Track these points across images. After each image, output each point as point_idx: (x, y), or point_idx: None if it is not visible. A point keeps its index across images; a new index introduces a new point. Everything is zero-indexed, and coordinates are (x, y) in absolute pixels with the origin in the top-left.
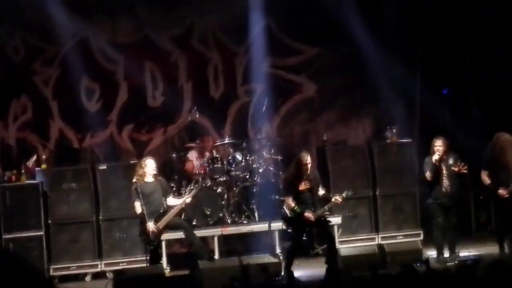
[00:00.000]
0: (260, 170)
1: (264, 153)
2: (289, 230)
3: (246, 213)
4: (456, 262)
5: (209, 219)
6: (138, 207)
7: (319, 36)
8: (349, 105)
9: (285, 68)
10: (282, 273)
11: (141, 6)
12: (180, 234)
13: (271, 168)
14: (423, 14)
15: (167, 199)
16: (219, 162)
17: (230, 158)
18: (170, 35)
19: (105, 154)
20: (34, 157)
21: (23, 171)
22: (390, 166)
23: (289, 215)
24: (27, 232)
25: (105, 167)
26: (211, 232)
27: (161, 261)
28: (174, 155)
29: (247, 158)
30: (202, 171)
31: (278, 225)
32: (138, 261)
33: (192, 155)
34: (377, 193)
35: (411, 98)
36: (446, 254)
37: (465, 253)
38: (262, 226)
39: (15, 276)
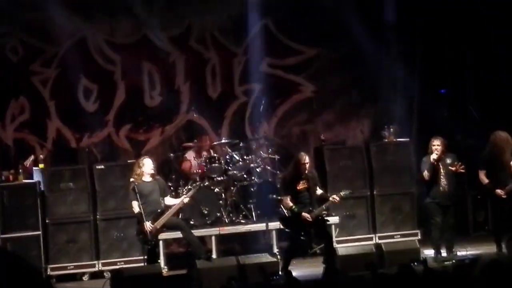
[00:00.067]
0: (258, 170)
1: (261, 152)
2: (286, 230)
3: (244, 213)
4: (453, 261)
5: (207, 218)
6: (135, 206)
7: (317, 36)
8: (348, 105)
9: (283, 68)
10: (280, 273)
11: (139, 6)
12: (177, 234)
13: (269, 168)
14: (422, 14)
15: (165, 198)
16: (217, 162)
17: (227, 157)
18: (168, 35)
19: (103, 154)
20: (32, 157)
21: (21, 171)
22: (388, 166)
23: (286, 215)
24: (25, 232)
25: (102, 167)
26: (209, 231)
27: (159, 261)
28: (172, 155)
29: (245, 158)
30: (199, 171)
31: (275, 224)
32: (135, 261)
33: (190, 154)
34: (374, 193)
35: (409, 98)
36: (444, 253)
37: (462, 252)
38: (259, 226)
39: (13, 276)
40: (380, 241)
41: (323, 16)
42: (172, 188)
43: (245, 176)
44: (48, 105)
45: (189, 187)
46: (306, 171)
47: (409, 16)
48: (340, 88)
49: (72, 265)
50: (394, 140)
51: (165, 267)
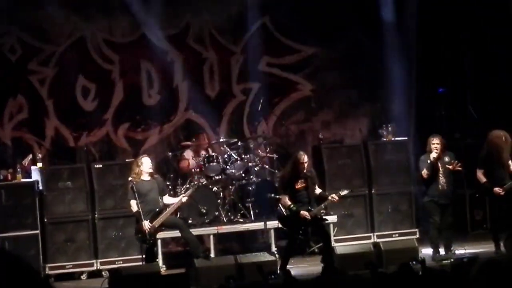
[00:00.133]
0: (256, 169)
1: (260, 151)
2: (285, 229)
3: (242, 212)
4: (451, 260)
5: (205, 217)
6: (134, 205)
7: (316, 35)
8: (346, 104)
9: (281, 67)
10: (278, 272)
11: (137, 5)
12: (176, 233)
13: (267, 167)
14: (421, 14)
15: (164, 197)
16: (215, 161)
17: (226, 156)
18: (167, 34)
19: (101, 153)
20: (30, 156)
21: (18, 170)
22: (386, 164)
23: (285, 214)
24: (23, 231)
25: (101, 166)
26: (207, 230)
27: (157, 260)
28: (170, 153)
29: (243, 156)
30: (197, 170)
31: (273, 223)
32: (134, 260)
33: (188, 153)
34: (373, 192)
35: (408, 96)
36: (442, 252)
37: (461, 251)
38: (258, 225)
39: (11, 275)
40: (378, 240)
41: (321, 15)
42: (170, 187)
43: (243, 175)
44: (46, 104)
45: (187, 186)
46: (305, 170)
47: (407, 15)
48: (338, 87)
49: (70, 264)
50: (393, 139)
51: (163, 266)
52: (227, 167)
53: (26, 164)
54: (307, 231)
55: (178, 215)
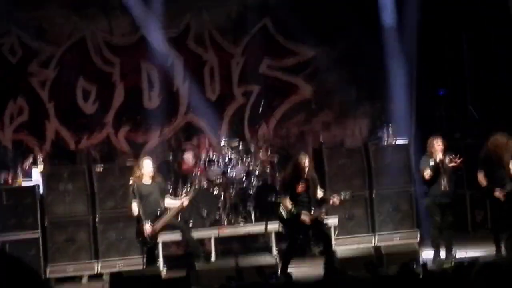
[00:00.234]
0: (257, 171)
1: (260, 154)
2: (285, 231)
3: (243, 214)
4: (452, 263)
5: (206, 220)
6: (135, 208)
7: (316, 37)
8: (346, 105)
9: (282, 69)
10: (279, 274)
11: (137, 7)
12: (176, 236)
13: (268, 169)
14: (421, 14)
15: (165, 200)
16: (216, 163)
17: (226, 159)
18: (167, 36)
19: (102, 155)
20: (31, 158)
21: (19, 172)
22: (387, 166)
23: (285, 216)
24: (24, 233)
25: (101, 168)
26: (208, 233)
27: (158, 262)
28: (171, 156)
29: (244, 159)
30: (198, 172)
31: (274, 226)
32: (134, 261)
33: (189, 156)
34: (373, 193)
35: (408, 97)
36: (443, 252)
37: (462, 254)
38: (258, 227)
39: (11, 278)
40: (379, 241)
41: (321, 16)
42: (171, 189)
43: (244, 177)
44: (46, 106)
45: (188, 189)
46: (306, 173)
47: (407, 16)
48: (338, 88)
49: (71, 266)
50: (393, 139)
51: (164, 268)
52: (228, 169)
53: (26, 167)
54: (308, 234)
55: (179, 218)
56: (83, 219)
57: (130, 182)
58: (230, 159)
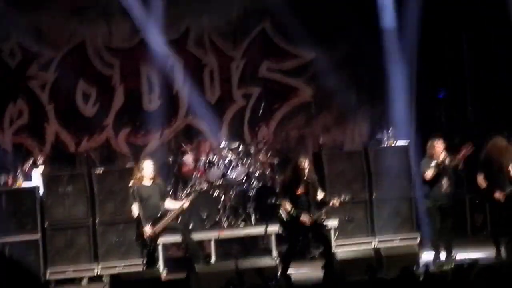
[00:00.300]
0: (257, 174)
1: (260, 156)
2: (285, 234)
3: (243, 217)
4: (452, 265)
5: (206, 222)
6: (135, 210)
7: (316, 39)
8: (346, 108)
9: (282, 71)
10: (279, 277)
11: (137, 10)
12: (176, 238)
13: (268, 172)
14: (420, 17)
15: (165, 202)
16: (216, 166)
17: (226, 161)
18: (166, 39)
19: (101, 158)
20: (30, 161)
21: (19, 175)
22: (387, 169)
23: (285, 219)
24: (23, 236)
25: (101, 171)
26: (208, 235)
27: (158, 265)
28: (171, 158)
29: (244, 161)
30: (198, 175)
31: (274, 228)
32: (134, 264)
33: (189, 158)
34: (373, 196)
35: (408, 99)
36: (443, 254)
37: (461, 256)
38: (258, 230)
39: (11, 280)
40: (379, 245)
41: (321, 18)
42: (170, 192)
43: (244, 180)
44: (46, 109)
45: (188, 191)
46: (306, 176)
47: (407, 19)
48: (338, 91)
49: (70, 269)
50: (393, 143)
51: (164, 271)
52: (228, 172)
53: (26, 170)
54: (308, 236)
55: (179, 220)
56: (83, 221)
57: (130, 184)
58: (230, 161)
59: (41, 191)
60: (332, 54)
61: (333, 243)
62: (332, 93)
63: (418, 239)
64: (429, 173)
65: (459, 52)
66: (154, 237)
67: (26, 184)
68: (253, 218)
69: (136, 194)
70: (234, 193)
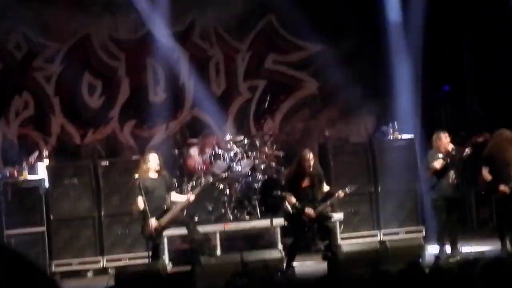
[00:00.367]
0: (262, 167)
1: (266, 149)
2: (290, 227)
3: (248, 210)
4: (458, 258)
5: (211, 215)
6: (140, 203)
7: (321, 33)
8: (351, 102)
9: (287, 64)
10: (284, 269)
11: (142, 2)
12: (182, 230)
13: (273, 165)
14: (426, 11)
15: (171, 194)
16: (221, 158)
17: (232, 154)
18: (172, 32)
19: (107, 150)
20: (36, 153)
21: (25, 167)
22: (392, 162)
23: (290, 211)
24: (29, 228)
25: (107, 163)
26: (213, 228)
27: (163, 257)
28: (176, 151)
29: (249, 154)
30: (204, 167)
31: (280, 221)
32: (139, 257)
33: (194, 151)
34: (379, 189)
35: (413, 94)
36: (448, 247)
37: (467, 250)
38: (264, 223)
39: (16, 273)
40: (384, 238)
41: (326, 12)
42: (176, 184)
43: (249, 172)
44: (52, 101)
45: (194, 184)
46: (311, 168)
47: (413, 13)
48: (343, 84)
49: (76, 262)
50: (398, 136)
51: (170, 263)
52: (233, 164)
53: (32, 162)
54: (313, 229)
55: (185, 213)
56: (88, 214)
57: (136, 177)
58: (235, 154)
59: (46, 183)
60: (337, 48)
61: (339, 236)
62: (337, 86)
63: (424, 232)
64: (437, 165)
65: (459, 51)
66: (160, 229)
67: (31, 177)
68: (258, 211)
69: (141, 186)
70: (239, 186)
